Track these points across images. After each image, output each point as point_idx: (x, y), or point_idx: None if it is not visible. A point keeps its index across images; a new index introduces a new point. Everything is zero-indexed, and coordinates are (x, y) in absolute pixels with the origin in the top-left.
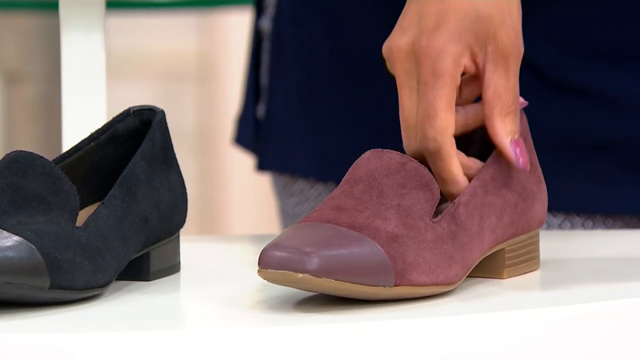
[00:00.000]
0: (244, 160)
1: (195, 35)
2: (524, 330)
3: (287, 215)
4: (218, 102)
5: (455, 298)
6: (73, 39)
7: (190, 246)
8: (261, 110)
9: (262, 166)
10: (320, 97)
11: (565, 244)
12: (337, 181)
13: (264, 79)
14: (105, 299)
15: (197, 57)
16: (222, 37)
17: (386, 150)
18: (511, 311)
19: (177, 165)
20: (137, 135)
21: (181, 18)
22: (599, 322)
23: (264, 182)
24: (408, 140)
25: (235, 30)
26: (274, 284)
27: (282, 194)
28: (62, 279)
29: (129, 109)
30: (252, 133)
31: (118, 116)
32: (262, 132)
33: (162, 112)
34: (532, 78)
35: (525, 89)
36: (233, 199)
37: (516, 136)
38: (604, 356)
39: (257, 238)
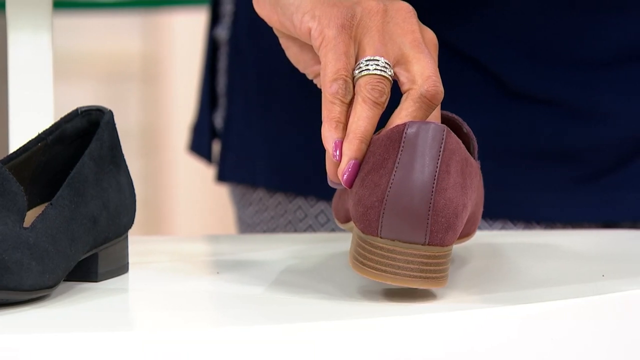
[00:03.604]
0: (188, 161)
1: (140, 35)
2: (490, 329)
3: (245, 224)
4: (162, 102)
5: (416, 298)
6: (20, 39)
7: (139, 247)
8: (218, 118)
9: (222, 177)
10: (280, 105)
11: (522, 244)
12: (298, 191)
13: (221, 87)
14: (53, 300)
15: (142, 58)
16: (167, 38)
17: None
18: (479, 309)
19: (126, 166)
20: (85, 135)
21: (125, 18)
22: (559, 320)
23: (209, 183)
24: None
25: (180, 30)
26: (224, 284)
27: (241, 203)
28: (10, 280)
29: (76, 110)
30: (207, 141)
31: (66, 116)
32: (221, 143)
33: (110, 113)
34: (492, 87)
35: (486, 98)
36: (177, 199)
37: None
38: (570, 354)
39: (204, 238)
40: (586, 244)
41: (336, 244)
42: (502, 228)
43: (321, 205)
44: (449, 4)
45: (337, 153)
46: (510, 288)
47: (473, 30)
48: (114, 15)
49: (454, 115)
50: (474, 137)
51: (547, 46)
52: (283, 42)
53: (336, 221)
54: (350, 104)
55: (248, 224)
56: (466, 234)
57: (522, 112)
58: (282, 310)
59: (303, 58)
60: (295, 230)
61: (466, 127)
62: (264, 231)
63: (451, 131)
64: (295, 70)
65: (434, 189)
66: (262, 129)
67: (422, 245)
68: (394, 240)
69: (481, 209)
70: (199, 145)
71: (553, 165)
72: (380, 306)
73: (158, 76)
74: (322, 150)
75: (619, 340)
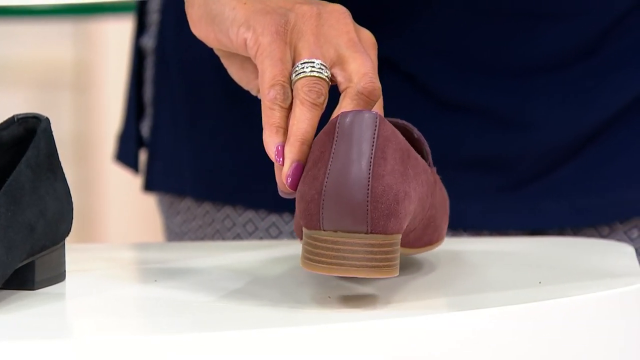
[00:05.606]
0: (120, 169)
1: (72, 43)
2: (435, 336)
3: (173, 233)
4: (94, 110)
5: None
6: None
7: (75, 255)
8: (145, 127)
9: (149, 186)
10: (206, 115)
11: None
12: (225, 199)
13: (148, 96)
14: None
15: (73, 65)
16: (99, 45)
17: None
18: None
19: (63, 174)
20: (22, 143)
21: (57, 26)
22: (504, 327)
23: (140, 192)
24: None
25: (112, 38)
26: (163, 291)
27: (169, 212)
28: None
29: (13, 117)
30: (134, 150)
31: (2, 124)
32: (148, 152)
33: (47, 120)
34: (417, 95)
35: (410, 106)
36: (109, 207)
37: None
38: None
39: (139, 246)
40: (516, 251)
41: (268, 251)
42: None
43: (249, 214)
44: (377, 17)
45: (280, 158)
46: (450, 294)
47: (401, 42)
48: (45, 23)
49: (403, 122)
50: (425, 142)
51: (473, 55)
52: (224, 61)
53: (300, 241)
54: (289, 109)
55: (176, 233)
56: (428, 242)
57: (449, 120)
58: (235, 317)
59: (245, 74)
60: (224, 239)
61: (417, 133)
62: (192, 240)
63: (386, 120)
64: (221, 80)
65: (370, 176)
66: (188, 138)
67: (365, 234)
68: (336, 231)
69: (446, 219)
70: (125, 154)
71: (480, 174)
72: (324, 313)
73: (90, 84)
74: (249, 159)
75: (564, 346)
